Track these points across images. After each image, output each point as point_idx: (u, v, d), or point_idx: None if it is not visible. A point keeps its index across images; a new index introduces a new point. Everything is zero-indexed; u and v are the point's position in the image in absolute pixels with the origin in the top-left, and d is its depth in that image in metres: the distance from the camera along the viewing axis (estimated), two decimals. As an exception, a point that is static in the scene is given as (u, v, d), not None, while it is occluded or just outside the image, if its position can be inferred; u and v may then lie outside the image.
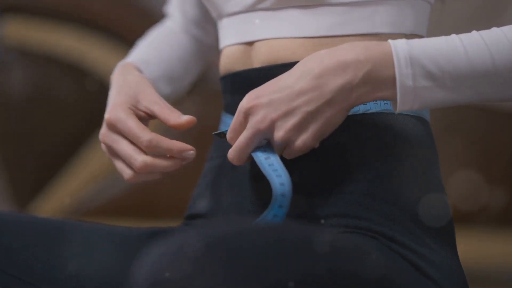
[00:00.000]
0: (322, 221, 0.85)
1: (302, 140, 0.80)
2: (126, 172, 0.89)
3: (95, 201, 2.16)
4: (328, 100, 0.79)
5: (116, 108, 0.89)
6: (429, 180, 0.88)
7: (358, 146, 0.86)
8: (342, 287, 0.71)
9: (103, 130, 0.90)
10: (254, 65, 0.92)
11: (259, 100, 0.80)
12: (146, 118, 0.91)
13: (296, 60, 0.88)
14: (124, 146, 0.88)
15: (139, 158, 0.87)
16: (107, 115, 0.90)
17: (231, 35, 0.94)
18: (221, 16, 0.96)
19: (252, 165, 0.89)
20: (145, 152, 0.88)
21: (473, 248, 2.02)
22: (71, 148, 2.19)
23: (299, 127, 0.80)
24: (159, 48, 1.08)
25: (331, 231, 0.82)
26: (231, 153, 0.83)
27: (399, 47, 0.79)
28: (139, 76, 0.96)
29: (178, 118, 0.88)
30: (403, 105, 0.80)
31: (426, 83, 0.79)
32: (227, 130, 0.85)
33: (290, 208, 0.80)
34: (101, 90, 2.15)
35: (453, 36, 0.81)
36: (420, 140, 0.88)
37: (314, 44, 0.88)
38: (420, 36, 0.91)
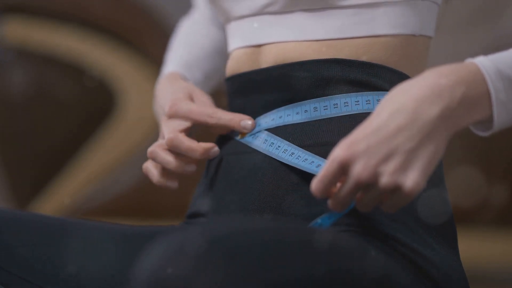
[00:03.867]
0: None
1: (412, 180, 0.72)
2: (153, 174, 0.93)
3: (95, 201, 2.16)
4: (428, 133, 0.73)
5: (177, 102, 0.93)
6: (432, 180, 0.87)
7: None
8: (342, 286, 0.71)
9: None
10: (262, 67, 0.92)
11: (355, 148, 0.73)
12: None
13: (304, 60, 0.88)
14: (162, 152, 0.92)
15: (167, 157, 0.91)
16: (167, 109, 0.93)
17: (239, 38, 0.94)
18: (229, 19, 0.96)
19: (254, 163, 0.89)
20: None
21: (473, 248, 2.02)
22: (71, 148, 2.19)
23: (404, 168, 0.73)
24: (195, 44, 1.10)
25: (331, 230, 0.82)
26: (334, 206, 0.77)
27: (484, 63, 0.78)
28: (187, 85, 0.98)
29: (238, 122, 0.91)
30: (498, 121, 0.78)
31: None
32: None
33: (291, 206, 0.80)
34: (101, 90, 2.15)
35: None
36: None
37: (322, 47, 0.88)
38: (429, 37, 0.91)
